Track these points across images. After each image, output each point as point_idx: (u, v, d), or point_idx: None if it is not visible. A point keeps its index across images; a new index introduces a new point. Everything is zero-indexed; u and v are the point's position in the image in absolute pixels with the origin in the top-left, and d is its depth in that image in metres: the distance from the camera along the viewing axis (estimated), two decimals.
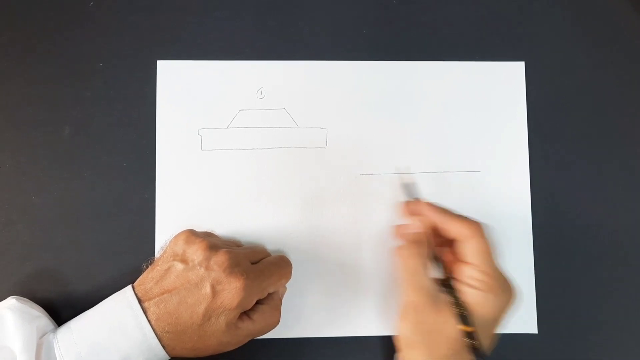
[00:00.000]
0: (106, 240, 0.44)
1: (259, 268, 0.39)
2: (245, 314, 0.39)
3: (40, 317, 0.40)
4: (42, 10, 0.46)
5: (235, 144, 0.46)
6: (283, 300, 0.43)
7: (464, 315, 0.37)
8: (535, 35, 0.48)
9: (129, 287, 0.39)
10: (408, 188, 0.43)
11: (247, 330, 0.39)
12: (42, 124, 0.45)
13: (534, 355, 0.45)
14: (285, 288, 0.43)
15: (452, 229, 0.40)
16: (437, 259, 0.41)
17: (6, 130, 0.45)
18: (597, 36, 0.49)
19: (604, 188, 0.47)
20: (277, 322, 0.41)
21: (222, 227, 0.45)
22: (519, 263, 0.45)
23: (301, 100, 0.46)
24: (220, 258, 0.37)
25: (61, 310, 0.43)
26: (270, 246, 0.45)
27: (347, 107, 0.46)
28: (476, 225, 0.39)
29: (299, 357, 0.44)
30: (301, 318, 0.44)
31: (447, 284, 0.39)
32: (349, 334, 0.44)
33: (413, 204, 0.43)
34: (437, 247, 0.42)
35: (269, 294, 0.40)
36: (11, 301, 0.40)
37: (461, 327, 0.37)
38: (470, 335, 0.36)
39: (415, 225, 0.41)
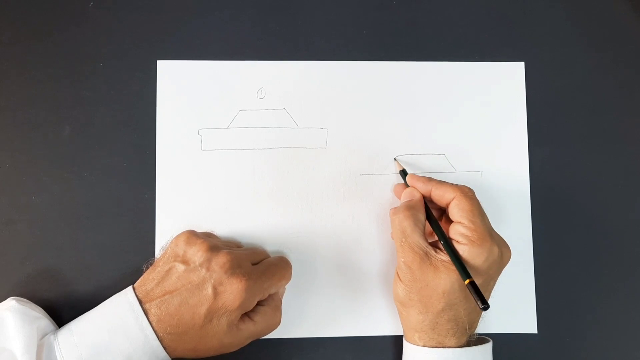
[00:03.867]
0: (106, 240, 0.44)
1: (260, 269, 0.39)
2: (247, 315, 0.39)
3: (40, 318, 0.39)
4: (42, 10, 0.46)
5: (236, 144, 0.46)
6: (283, 300, 0.43)
7: (463, 267, 0.38)
8: (535, 35, 0.48)
9: (130, 288, 0.39)
10: (404, 172, 0.45)
11: (249, 331, 0.39)
12: (42, 124, 0.45)
13: (534, 355, 0.45)
14: (284, 289, 0.43)
15: (441, 193, 0.41)
16: (434, 224, 0.41)
17: (6, 130, 0.45)
18: (597, 36, 0.49)
19: (604, 188, 0.47)
20: (278, 323, 0.41)
21: (222, 228, 0.45)
22: (519, 263, 0.46)
23: (301, 100, 0.46)
24: (221, 259, 0.38)
25: (62, 311, 0.43)
26: (271, 246, 0.45)
27: (347, 107, 0.46)
28: (461, 187, 0.41)
29: (299, 357, 0.44)
30: (301, 318, 0.44)
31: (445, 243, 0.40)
32: (349, 334, 0.45)
33: (408, 178, 0.44)
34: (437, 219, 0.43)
35: (270, 295, 0.40)
36: (11, 302, 0.40)
37: (462, 279, 0.38)
38: (472, 285, 0.37)
39: (410, 194, 0.43)
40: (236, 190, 0.45)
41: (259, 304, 0.40)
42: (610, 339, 0.46)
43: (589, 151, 0.47)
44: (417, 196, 0.43)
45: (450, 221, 0.41)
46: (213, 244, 0.39)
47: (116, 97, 0.46)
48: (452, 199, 0.41)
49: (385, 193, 0.46)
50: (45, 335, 0.39)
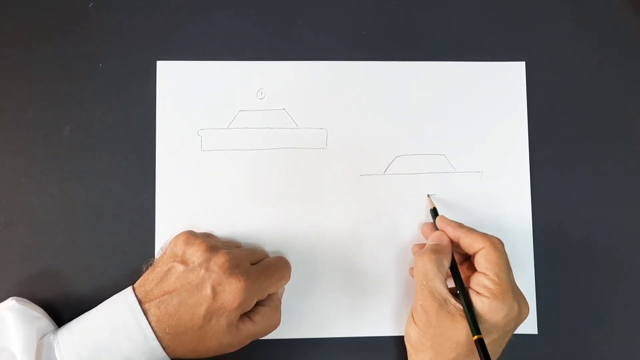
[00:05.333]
0: (106, 241, 0.44)
1: (259, 269, 0.39)
2: (246, 315, 0.39)
3: (40, 318, 0.40)
4: (42, 10, 0.46)
5: (236, 145, 0.46)
6: (282, 300, 0.43)
7: (474, 322, 0.37)
8: (535, 35, 0.48)
9: (129, 288, 0.39)
10: (434, 211, 0.44)
11: (248, 331, 0.39)
12: (42, 124, 0.45)
13: (534, 355, 0.45)
14: (283, 289, 0.43)
15: (470, 242, 0.41)
16: (455, 273, 0.41)
17: (6, 130, 0.45)
18: (597, 36, 0.49)
19: (604, 188, 0.47)
20: (278, 323, 0.41)
21: (222, 228, 0.45)
22: (519, 263, 0.45)
23: (301, 100, 0.46)
24: (220, 259, 0.38)
25: (61, 311, 0.43)
26: (270, 247, 0.45)
27: (347, 108, 0.46)
28: (491, 239, 0.40)
29: (299, 357, 0.44)
30: (301, 319, 0.44)
31: (461, 294, 0.40)
32: (348, 334, 0.44)
33: (438, 220, 0.43)
34: (459, 264, 0.43)
35: (269, 295, 0.40)
36: (11, 302, 0.40)
37: (472, 334, 0.37)
38: (479, 341, 0.37)
39: (439, 239, 0.42)
40: (236, 190, 0.45)
41: (259, 304, 0.40)
42: (610, 339, 0.46)
43: (589, 151, 0.47)
44: (445, 242, 0.42)
45: (471, 269, 0.41)
46: (212, 244, 0.39)
47: (116, 97, 0.46)
48: (481, 249, 0.40)
49: (385, 193, 0.46)
50: (45, 335, 0.39)
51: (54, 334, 0.38)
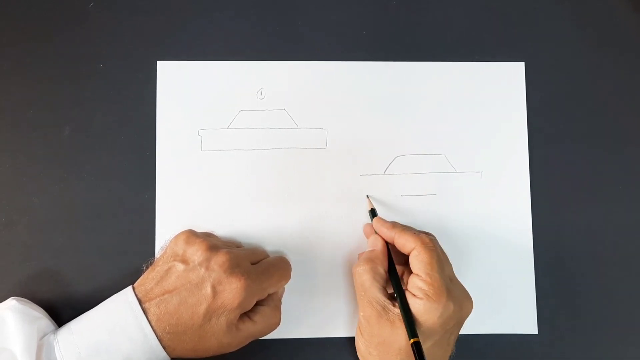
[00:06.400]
0: (106, 240, 0.44)
1: (260, 269, 0.39)
2: (246, 315, 0.39)
3: (40, 318, 0.40)
4: (42, 11, 0.46)
5: (236, 145, 0.46)
6: (283, 300, 0.43)
7: (410, 326, 0.37)
8: (535, 35, 0.48)
9: (130, 287, 0.39)
10: (372, 212, 0.44)
11: (248, 331, 0.39)
12: (42, 124, 0.45)
13: (534, 355, 0.45)
14: (283, 289, 0.43)
15: (403, 242, 0.40)
16: (392, 278, 0.40)
17: (6, 130, 0.45)
18: (597, 36, 0.49)
19: (603, 188, 0.47)
20: (278, 323, 0.41)
21: (222, 228, 0.45)
22: (519, 263, 0.46)
23: (301, 100, 0.46)
24: (220, 258, 0.38)
25: (61, 311, 0.43)
26: (270, 247, 0.45)
27: (347, 108, 0.46)
28: (421, 238, 0.40)
29: (298, 357, 0.44)
30: (301, 319, 0.44)
31: (398, 298, 0.39)
32: (348, 334, 0.44)
33: (375, 222, 0.43)
34: (400, 265, 0.42)
35: (269, 295, 0.40)
36: (12, 302, 0.40)
37: (408, 338, 0.37)
38: (415, 345, 0.36)
39: (373, 244, 0.42)
40: (236, 190, 0.45)
41: (259, 304, 0.40)
42: (611, 339, 0.46)
43: (589, 151, 0.47)
44: (379, 247, 0.41)
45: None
46: (212, 243, 0.39)
47: (116, 97, 0.46)
48: (413, 249, 0.39)
49: (385, 194, 0.46)
50: (46, 335, 0.39)
51: (54, 333, 0.38)
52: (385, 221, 0.42)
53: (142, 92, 0.46)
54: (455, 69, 0.47)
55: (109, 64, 0.46)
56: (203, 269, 0.37)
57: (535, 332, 0.45)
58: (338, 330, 0.44)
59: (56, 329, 0.39)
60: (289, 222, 0.45)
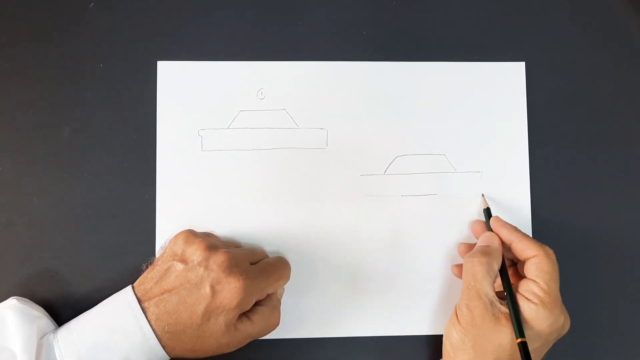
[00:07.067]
0: (106, 240, 0.44)
1: (258, 268, 0.39)
2: (245, 315, 0.39)
3: (40, 318, 0.40)
4: (42, 11, 0.46)
5: (236, 145, 0.46)
6: (282, 300, 0.43)
7: (519, 326, 0.38)
8: (535, 35, 0.48)
9: (129, 287, 0.39)
10: (487, 211, 0.44)
11: (247, 331, 0.39)
12: (42, 124, 0.45)
13: None
14: (283, 289, 0.43)
15: (523, 247, 0.41)
16: (504, 277, 0.41)
17: (6, 131, 0.45)
18: (597, 36, 0.49)
19: (604, 188, 0.47)
20: (277, 324, 0.41)
21: (222, 228, 0.45)
22: None
23: (301, 100, 0.46)
24: (219, 258, 0.38)
25: (61, 311, 0.43)
26: (270, 247, 0.45)
27: (347, 108, 0.46)
28: (545, 248, 0.40)
29: (298, 358, 0.44)
30: (301, 319, 0.44)
31: (509, 297, 0.40)
32: (348, 334, 0.44)
33: (492, 220, 0.43)
34: (508, 267, 0.43)
35: (268, 295, 0.40)
36: (12, 301, 0.40)
37: (516, 337, 0.37)
38: (522, 345, 0.37)
39: (489, 240, 0.42)
40: (236, 190, 0.45)
41: (258, 304, 0.40)
42: (611, 338, 0.46)
43: (589, 151, 0.47)
44: (496, 244, 0.42)
45: (516, 275, 0.42)
46: (211, 243, 0.39)
47: (116, 97, 0.46)
48: (533, 257, 0.40)
49: (385, 194, 0.46)
50: (45, 334, 0.39)
51: (53, 333, 0.38)
52: (505, 222, 0.43)
53: (142, 92, 0.46)
54: (455, 69, 0.47)
55: (109, 64, 0.46)
56: (202, 269, 0.37)
57: None
58: (338, 330, 0.44)
59: (56, 329, 0.39)
60: (289, 222, 0.45)
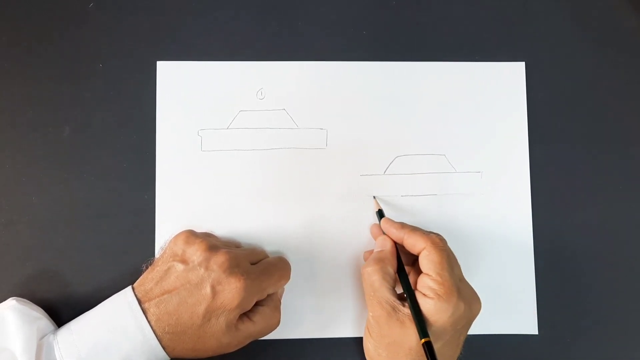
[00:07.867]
0: (106, 241, 0.44)
1: (259, 269, 0.39)
2: (246, 315, 0.39)
3: (40, 318, 0.40)
4: (42, 11, 0.46)
5: (236, 145, 0.46)
6: (282, 301, 0.43)
7: (421, 326, 0.37)
8: (535, 35, 0.48)
9: (129, 288, 0.39)
10: (380, 213, 0.44)
11: (247, 331, 0.39)
12: (42, 124, 0.45)
13: (534, 355, 0.45)
14: (283, 289, 0.43)
15: (412, 242, 0.40)
16: (402, 278, 0.41)
17: (6, 131, 0.45)
18: (597, 36, 0.49)
19: (603, 188, 0.47)
20: (278, 324, 0.41)
21: (222, 228, 0.45)
22: (519, 263, 0.46)
23: (301, 100, 0.46)
24: (220, 258, 0.38)
25: (61, 311, 0.43)
26: (270, 247, 0.45)
27: (347, 108, 0.46)
28: (432, 238, 0.40)
29: (298, 358, 0.44)
30: (301, 319, 0.44)
31: (408, 298, 0.39)
32: (348, 334, 0.44)
33: (383, 222, 0.43)
34: (407, 265, 0.42)
35: (269, 295, 0.40)
36: (11, 302, 0.40)
37: (420, 338, 0.37)
38: (427, 345, 0.36)
39: (382, 244, 0.42)
40: (236, 190, 0.45)
41: (258, 304, 0.40)
42: (611, 339, 0.46)
43: (589, 151, 0.47)
44: (388, 247, 0.41)
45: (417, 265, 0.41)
46: (212, 243, 0.39)
47: (116, 97, 0.46)
48: (423, 249, 0.40)
49: (385, 193, 0.46)
50: (45, 335, 0.39)
51: (53, 333, 0.38)
52: (393, 222, 0.42)
53: (142, 92, 0.46)
54: (455, 69, 0.47)
55: (108, 64, 0.46)
56: (202, 269, 0.37)
57: (536, 332, 0.45)
58: (338, 330, 0.44)
59: (56, 329, 0.39)
60: (289, 222, 0.45)
